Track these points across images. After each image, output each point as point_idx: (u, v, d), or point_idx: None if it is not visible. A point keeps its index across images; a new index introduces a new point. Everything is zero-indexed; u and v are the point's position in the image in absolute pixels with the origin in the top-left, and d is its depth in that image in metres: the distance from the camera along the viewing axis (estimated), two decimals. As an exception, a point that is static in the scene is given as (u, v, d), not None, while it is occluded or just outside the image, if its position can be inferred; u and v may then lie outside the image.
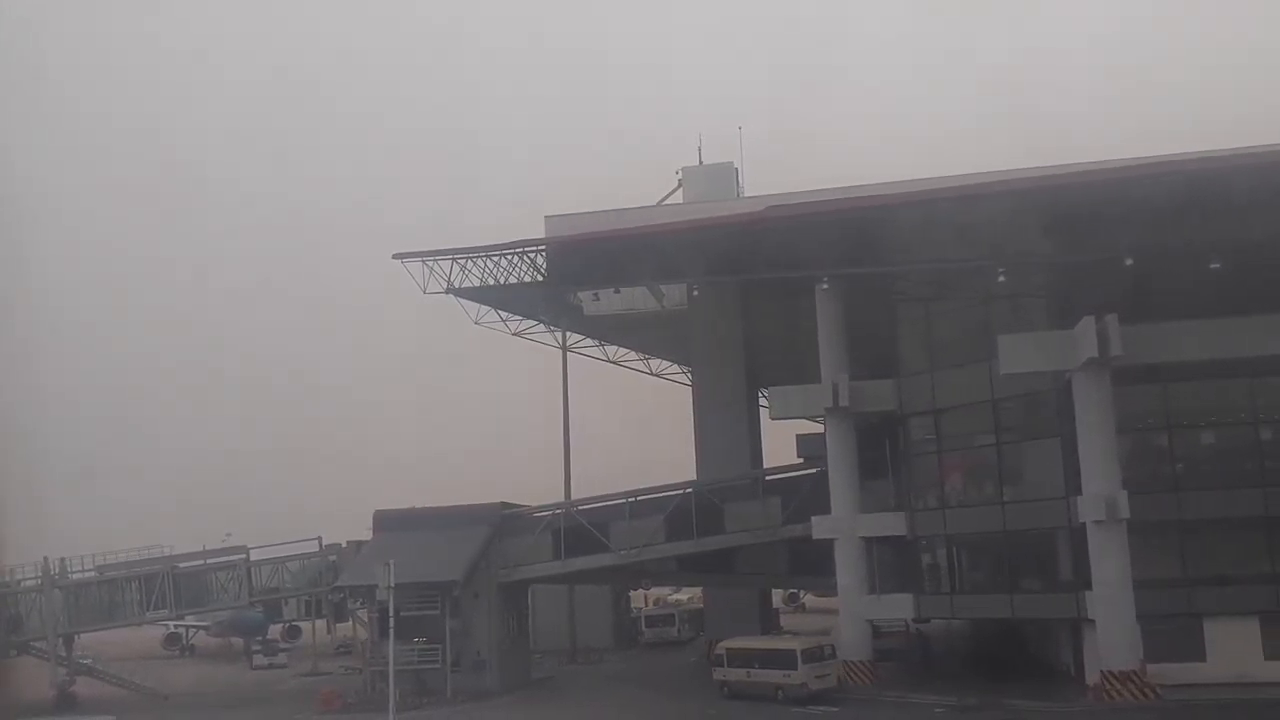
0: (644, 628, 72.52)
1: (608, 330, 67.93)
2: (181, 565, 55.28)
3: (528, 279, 52.53)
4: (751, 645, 46.49)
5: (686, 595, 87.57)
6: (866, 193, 45.73)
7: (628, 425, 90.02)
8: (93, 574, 55.58)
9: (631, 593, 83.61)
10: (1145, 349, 38.06)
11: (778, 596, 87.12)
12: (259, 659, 70.40)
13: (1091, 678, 39.62)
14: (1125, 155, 44.59)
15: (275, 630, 79.82)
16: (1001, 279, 39.80)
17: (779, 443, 61.26)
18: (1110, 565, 38.29)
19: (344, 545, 55.06)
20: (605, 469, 76.11)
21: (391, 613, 40.17)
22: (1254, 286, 39.06)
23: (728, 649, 46.42)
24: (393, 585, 39.58)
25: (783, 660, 43.75)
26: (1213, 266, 37.02)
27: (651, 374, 76.22)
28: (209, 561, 55.78)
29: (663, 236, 48.54)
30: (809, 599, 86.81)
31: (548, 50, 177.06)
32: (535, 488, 67.65)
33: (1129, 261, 36.82)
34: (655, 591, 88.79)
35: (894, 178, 48.78)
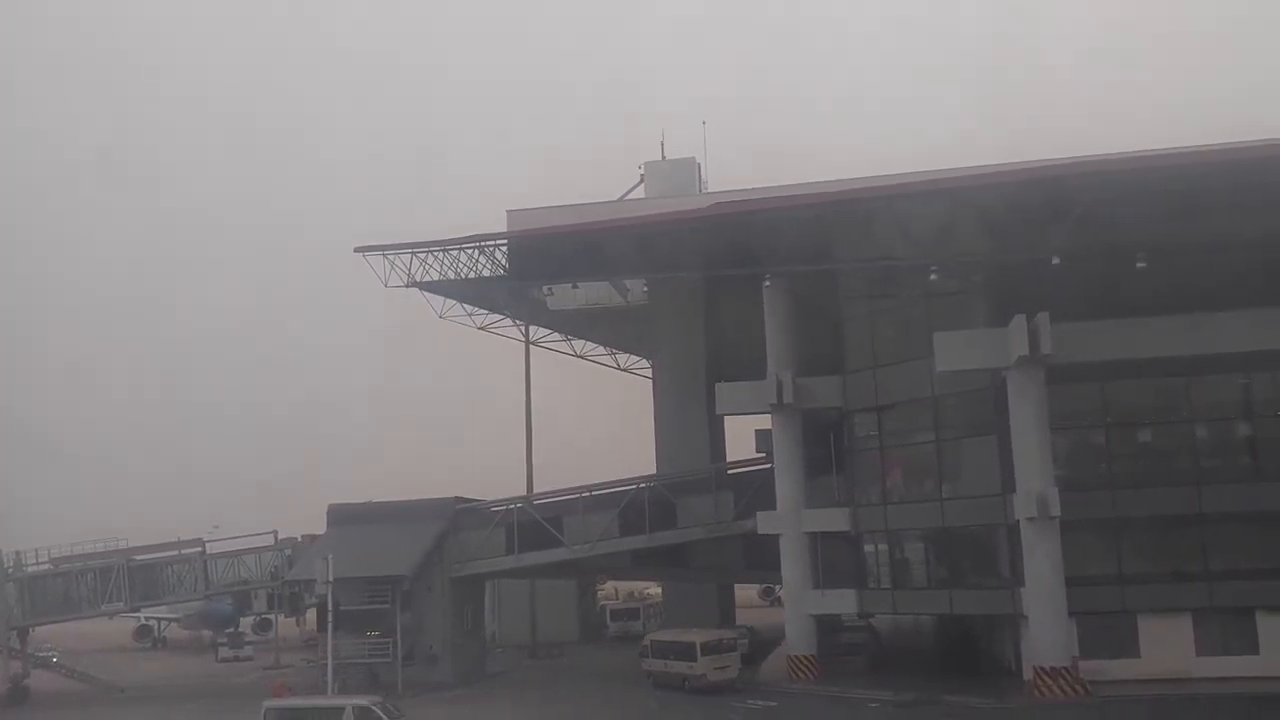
0: (609, 621, 72.69)
1: (573, 324, 68.19)
2: (138, 558, 55.41)
3: (488, 273, 52.60)
4: (666, 638, 48.19)
5: (660, 589, 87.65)
6: (828, 189, 45.71)
7: (596, 419, 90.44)
8: (48, 567, 55.72)
9: (601, 587, 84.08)
10: (1076, 347, 38.16)
11: (754, 591, 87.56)
12: (225, 651, 70.70)
13: (1027, 673, 39.81)
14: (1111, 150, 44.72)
15: (247, 623, 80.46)
16: (934, 277, 39.81)
17: (743, 437, 61.53)
18: (1042, 562, 38.44)
19: (299, 539, 55.20)
20: (574, 463, 76.60)
21: (330, 607, 40.37)
22: (1194, 285, 39.28)
23: (651, 641, 48.33)
24: (330, 580, 39.85)
25: (686, 652, 45.40)
26: (1139, 265, 37.03)
27: (619, 368, 76.44)
28: (165, 555, 55.85)
29: (612, 232, 48.66)
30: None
31: (519, 48, 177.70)
32: (506, 482, 67.95)
33: (1055, 260, 36.84)
34: (628, 585, 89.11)
35: (878, 173, 49.08)
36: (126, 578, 54.19)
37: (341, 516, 53.42)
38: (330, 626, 40.12)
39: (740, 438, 62.16)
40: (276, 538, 55.76)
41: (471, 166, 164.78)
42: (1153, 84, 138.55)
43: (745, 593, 77.82)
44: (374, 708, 34.07)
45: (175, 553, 55.50)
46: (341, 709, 33.83)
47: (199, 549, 55.35)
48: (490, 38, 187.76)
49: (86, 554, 55.39)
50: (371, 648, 50.13)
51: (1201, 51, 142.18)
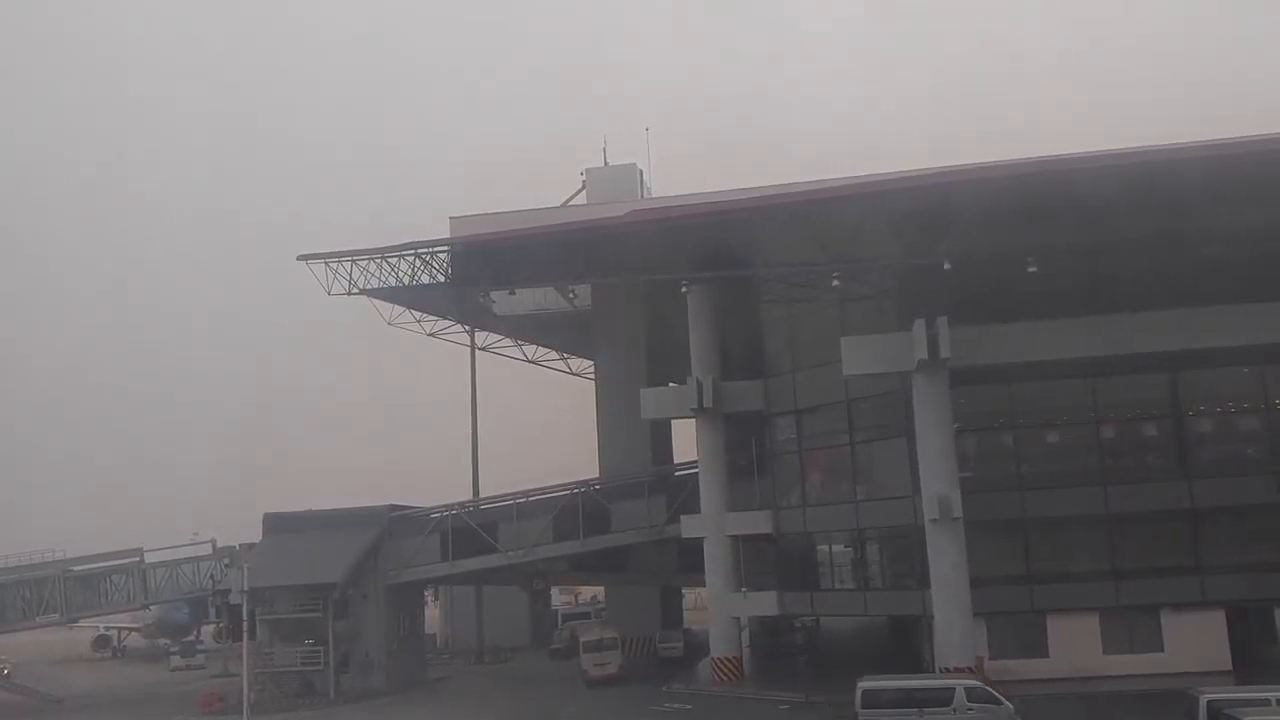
0: (560, 625, 72.88)
1: (522, 329, 68.33)
2: (75, 569, 55.57)
3: (428, 280, 52.70)
4: (576, 636, 51.59)
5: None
6: (769, 193, 46.01)
7: (548, 423, 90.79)
8: (-17, 578, 55.88)
9: (561, 590, 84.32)
10: (975, 350, 38.41)
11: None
12: (176, 660, 70.91)
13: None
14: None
15: (209, 631, 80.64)
16: (836, 284, 40.03)
17: (691, 439, 61.66)
18: (947, 563, 38.70)
19: (237, 547, 55.45)
20: (525, 467, 77.11)
21: (245, 616, 40.66)
22: (1100, 288, 39.69)
23: (571, 638, 52.15)
24: (245, 589, 40.15)
25: (577, 649, 48.54)
26: (1030, 270, 37.33)
27: (571, 373, 76.64)
28: (102, 565, 56.02)
29: (540, 238, 48.76)
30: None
31: (468, 54, 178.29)
32: (458, 486, 68.15)
33: (946, 266, 37.06)
34: (590, 589, 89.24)
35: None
36: (62, 589, 54.35)
37: (276, 525, 53.67)
38: (245, 635, 40.34)
39: (690, 440, 62.54)
40: (215, 546, 56.01)
41: (421, 171, 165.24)
42: (1140, 82, 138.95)
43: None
44: (986, 687, 34.12)
45: (112, 563, 55.62)
46: (951, 689, 33.80)
47: (136, 559, 55.52)
48: (437, 45, 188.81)
49: (21, 565, 55.54)
50: (305, 656, 50.43)
51: (1188, 50, 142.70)
